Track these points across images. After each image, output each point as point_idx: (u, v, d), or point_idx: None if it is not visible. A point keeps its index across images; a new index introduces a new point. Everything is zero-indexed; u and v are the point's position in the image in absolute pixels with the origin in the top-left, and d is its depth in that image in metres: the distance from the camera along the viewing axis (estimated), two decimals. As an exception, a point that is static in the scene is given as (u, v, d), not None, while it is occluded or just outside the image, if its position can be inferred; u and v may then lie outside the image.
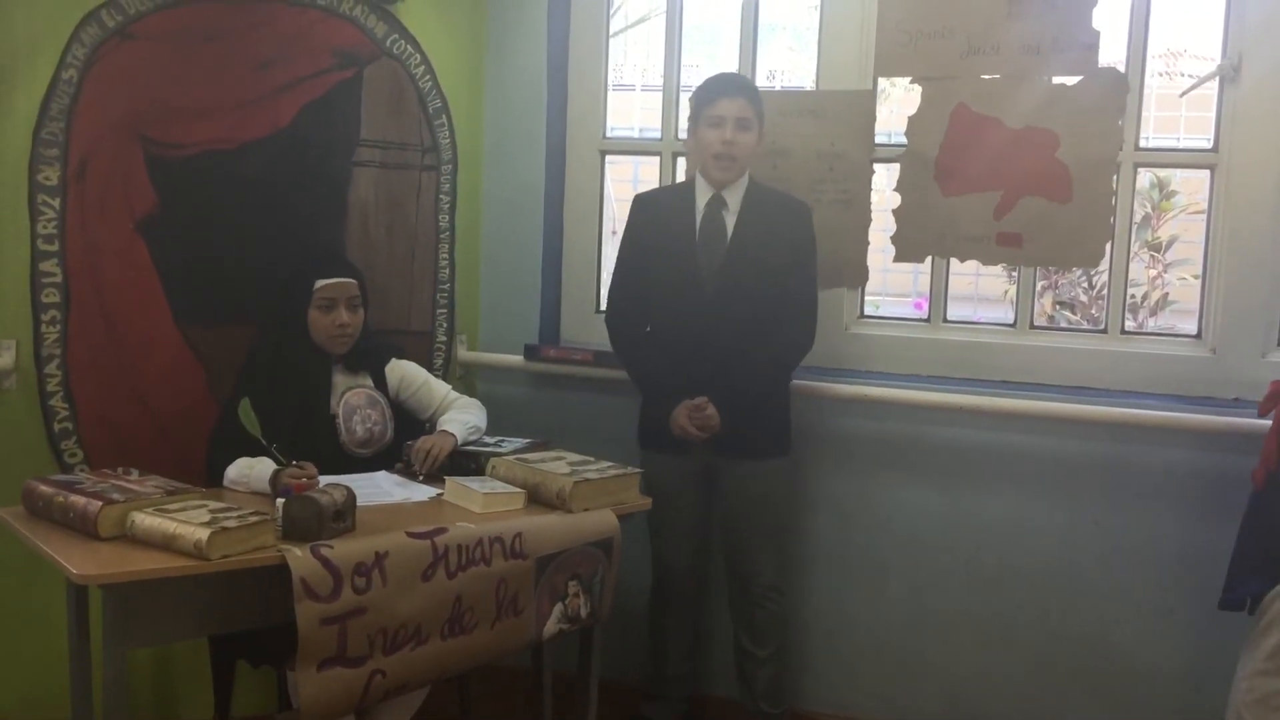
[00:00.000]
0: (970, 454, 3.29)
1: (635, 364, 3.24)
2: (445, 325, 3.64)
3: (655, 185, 3.59)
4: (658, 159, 3.74)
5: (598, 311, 3.79)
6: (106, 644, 2.25)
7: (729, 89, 3.09)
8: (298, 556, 2.27)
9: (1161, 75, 6.25)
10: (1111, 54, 3.17)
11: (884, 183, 3.48)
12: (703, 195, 3.16)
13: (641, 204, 3.29)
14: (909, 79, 3.35)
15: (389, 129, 3.42)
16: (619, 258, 3.30)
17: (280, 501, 2.44)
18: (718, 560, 3.35)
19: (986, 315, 5.48)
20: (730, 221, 3.13)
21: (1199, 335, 3.22)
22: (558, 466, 2.84)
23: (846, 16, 3.39)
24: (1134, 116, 3.17)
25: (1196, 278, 3.46)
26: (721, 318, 3.08)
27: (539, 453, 3.02)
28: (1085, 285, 6.19)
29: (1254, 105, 3.06)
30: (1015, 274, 3.53)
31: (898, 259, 3.40)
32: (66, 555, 2.26)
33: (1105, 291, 3.50)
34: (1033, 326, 3.38)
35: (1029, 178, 3.20)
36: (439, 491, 2.82)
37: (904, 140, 3.34)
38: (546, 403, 3.68)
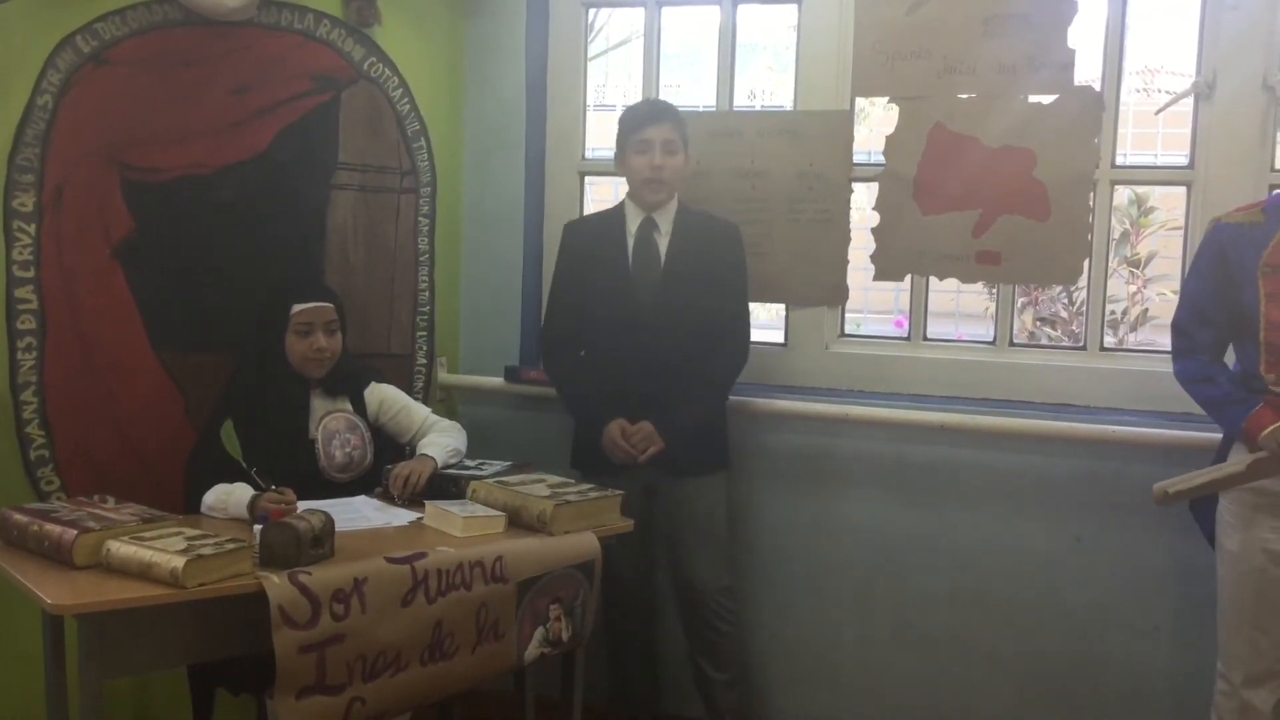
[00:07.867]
0: (951, 472, 3.29)
1: (570, 387, 3.29)
2: (425, 348, 3.63)
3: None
4: (637, 180, 3.73)
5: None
6: (83, 675, 2.22)
7: (654, 116, 3.19)
8: (275, 584, 2.25)
9: (1139, 92, 6.31)
10: (1088, 72, 3.19)
11: (863, 201, 3.49)
12: (634, 219, 3.22)
13: (572, 231, 3.34)
14: (886, 99, 3.36)
15: (367, 152, 3.41)
16: (553, 284, 3.35)
17: (258, 528, 2.43)
18: (668, 579, 3.35)
19: (968, 331, 5.50)
20: (663, 244, 3.19)
21: (1178, 351, 3.22)
22: (538, 489, 2.83)
23: (824, 38, 3.41)
24: (1110, 134, 3.19)
25: (1176, 293, 3.47)
26: (659, 338, 3.13)
27: (520, 475, 3.00)
28: (1065, 301, 6.21)
29: (1229, 122, 3.08)
30: (995, 291, 3.54)
31: (877, 278, 3.41)
32: (41, 585, 2.24)
33: (1085, 307, 3.51)
34: (1012, 344, 3.39)
35: (1007, 196, 3.21)
36: (419, 516, 2.80)
37: (882, 159, 3.35)
38: (527, 425, 3.68)
